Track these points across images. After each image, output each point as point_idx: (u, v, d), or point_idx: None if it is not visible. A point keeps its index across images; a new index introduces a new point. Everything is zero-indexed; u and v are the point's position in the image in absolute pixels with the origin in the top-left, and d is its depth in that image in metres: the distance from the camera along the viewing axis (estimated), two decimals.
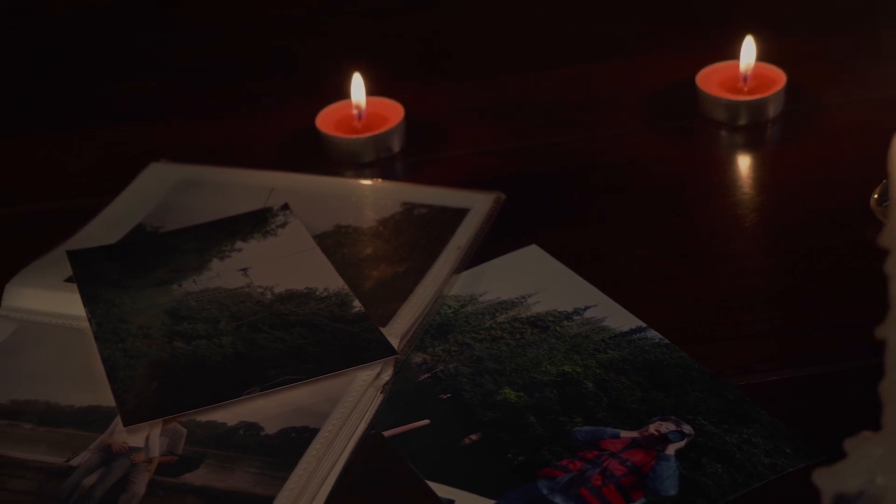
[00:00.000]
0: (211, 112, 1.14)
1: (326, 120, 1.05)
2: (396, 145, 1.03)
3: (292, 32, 1.27)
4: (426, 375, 0.79)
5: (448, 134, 1.06)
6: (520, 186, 0.96)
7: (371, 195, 0.97)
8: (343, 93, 1.06)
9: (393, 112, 1.05)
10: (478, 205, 0.93)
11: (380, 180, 1.00)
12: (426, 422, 0.75)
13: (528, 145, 1.04)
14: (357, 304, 0.83)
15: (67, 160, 1.09)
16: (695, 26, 1.18)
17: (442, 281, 0.85)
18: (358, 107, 1.04)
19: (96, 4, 1.33)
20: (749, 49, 1.02)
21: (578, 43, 1.18)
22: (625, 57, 1.14)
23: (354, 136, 1.02)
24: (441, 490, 0.70)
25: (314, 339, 0.80)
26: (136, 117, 1.14)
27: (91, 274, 0.88)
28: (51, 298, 0.86)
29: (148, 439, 0.74)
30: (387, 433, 0.75)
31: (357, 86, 1.04)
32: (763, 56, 1.03)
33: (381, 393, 0.77)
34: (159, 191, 0.99)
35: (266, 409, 0.75)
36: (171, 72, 1.22)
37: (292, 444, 0.72)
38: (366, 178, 1.01)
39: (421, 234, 0.91)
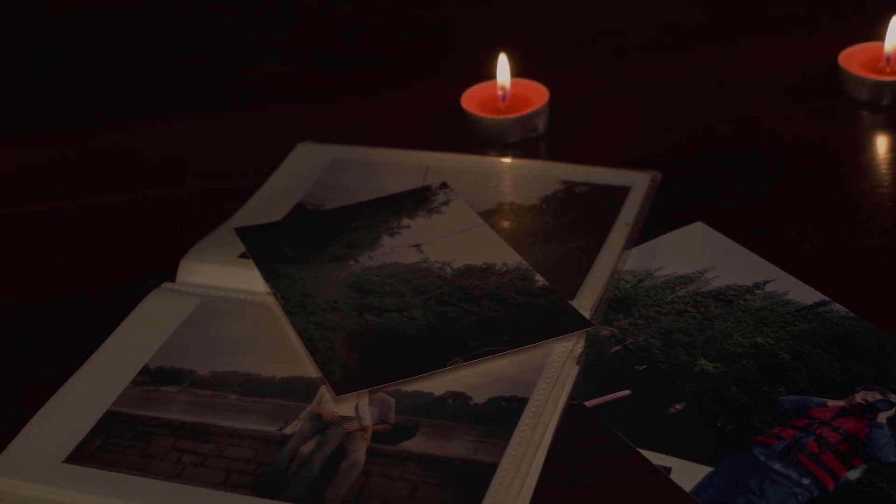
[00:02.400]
0: (351, 93, 1.15)
1: (470, 100, 1.06)
2: (541, 126, 1.04)
3: (435, 14, 1.28)
4: (617, 347, 0.80)
5: (589, 115, 1.07)
6: (669, 166, 0.97)
7: (528, 174, 0.98)
8: (484, 74, 1.07)
9: (535, 93, 1.06)
10: (638, 183, 0.94)
11: (529, 159, 1.01)
12: (627, 392, 0.76)
13: (671, 126, 1.05)
14: (540, 279, 0.83)
15: (211, 143, 1.09)
16: (833, 8, 1.19)
17: (616, 256, 0.86)
18: (503, 88, 1.05)
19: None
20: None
21: (718, 24, 1.19)
22: (765, 38, 1.15)
23: (502, 117, 1.03)
24: (655, 458, 0.71)
25: (505, 312, 0.80)
26: (276, 100, 1.15)
27: (266, 250, 0.88)
28: (227, 274, 0.87)
29: (357, 408, 0.75)
30: (589, 403, 0.76)
31: (502, 67, 1.05)
32: None
33: (577, 364, 0.78)
34: (313, 170, 1.00)
35: (469, 380, 0.76)
36: (310, 56, 1.23)
37: (503, 412, 0.73)
38: (511, 157, 1.01)
39: (586, 212, 0.92)
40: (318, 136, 1.05)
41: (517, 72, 1.07)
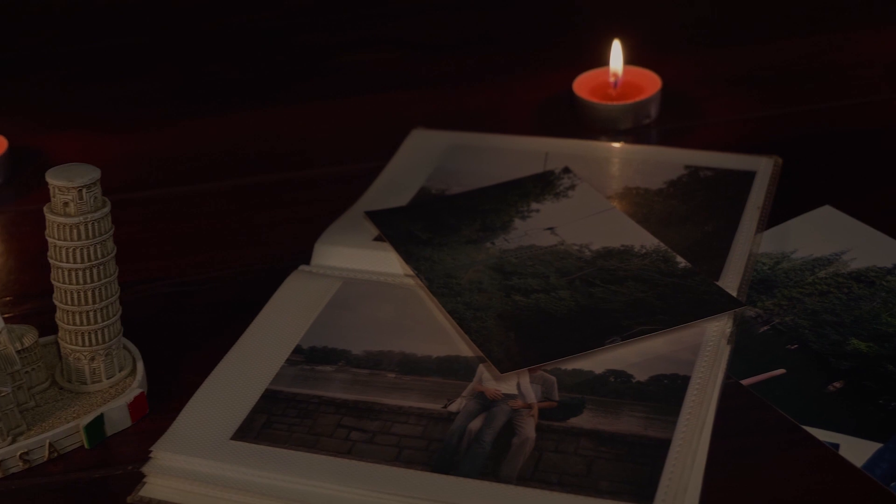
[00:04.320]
0: (459, 80, 1.15)
1: (581, 87, 1.06)
2: (654, 113, 1.05)
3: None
4: (765, 327, 0.80)
5: (701, 102, 1.08)
6: (786, 151, 0.98)
7: (651, 159, 0.98)
8: (592, 61, 1.08)
9: (645, 80, 1.06)
10: (762, 167, 0.95)
11: (649, 145, 1.01)
12: (782, 371, 0.77)
13: (782, 113, 1.06)
14: (681, 260, 0.84)
15: (322, 129, 1.10)
16: None
17: (751, 239, 0.87)
18: (615, 75, 1.06)
19: None
20: None
21: (825, 11, 1.20)
22: (869, 25, 1.16)
23: (615, 103, 1.04)
24: (821, 435, 0.72)
25: (653, 293, 0.81)
26: (384, 87, 1.15)
27: (399, 233, 0.89)
28: (364, 256, 0.88)
29: (519, 386, 0.75)
30: (746, 381, 0.76)
31: (616, 53, 1.05)
32: None
33: (728, 343, 0.78)
34: (431, 156, 1.01)
35: (627, 358, 0.77)
36: (419, 42, 1.23)
37: (667, 390, 0.74)
38: (630, 143, 1.02)
39: (713, 196, 0.92)
40: (428, 122, 1.06)
41: (627, 58, 1.08)
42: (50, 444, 0.74)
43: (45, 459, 0.74)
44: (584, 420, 0.72)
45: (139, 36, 1.31)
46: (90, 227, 0.74)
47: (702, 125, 1.05)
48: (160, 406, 0.78)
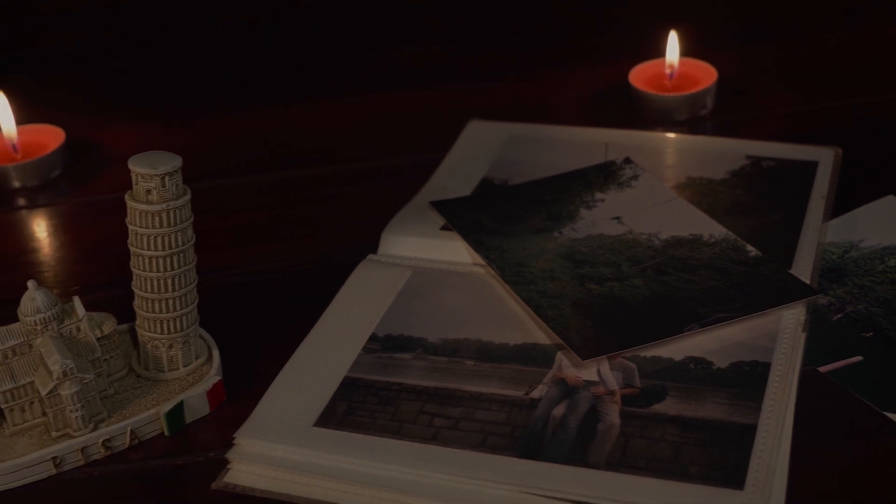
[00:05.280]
0: (512, 72, 1.16)
1: (637, 78, 1.06)
2: (710, 104, 1.05)
3: None
4: (839, 315, 0.81)
5: (756, 93, 1.08)
6: (843, 141, 0.98)
7: (711, 149, 0.98)
8: (647, 52, 1.08)
9: (701, 71, 1.06)
10: (824, 157, 0.95)
11: (708, 136, 1.02)
12: (859, 358, 0.77)
13: (837, 104, 1.06)
14: (752, 249, 0.84)
15: (379, 121, 1.10)
16: None
17: (819, 228, 0.87)
18: (671, 66, 1.06)
19: None
20: None
21: (881, 2, 1.21)
22: None
23: (672, 94, 1.04)
24: None
25: (727, 281, 0.81)
26: (430, 81, 1.16)
27: (466, 223, 0.89)
28: (432, 245, 0.88)
29: (600, 373, 0.75)
30: (823, 368, 0.76)
31: (672, 45, 1.05)
32: None
33: (803, 331, 0.78)
34: (490, 147, 1.01)
35: (705, 345, 0.77)
36: (472, 35, 1.24)
37: (748, 376, 0.74)
38: (689, 134, 1.02)
39: (779, 185, 0.93)
40: (484, 114, 1.06)
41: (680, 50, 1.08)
42: (131, 431, 0.74)
43: (127, 446, 0.74)
44: (667, 406, 0.72)
45: (191, 29, 1.31)
46: (172, 215, 0.74)
47: (758, 116, 1.05)
48: (234, 394, 0.78)
